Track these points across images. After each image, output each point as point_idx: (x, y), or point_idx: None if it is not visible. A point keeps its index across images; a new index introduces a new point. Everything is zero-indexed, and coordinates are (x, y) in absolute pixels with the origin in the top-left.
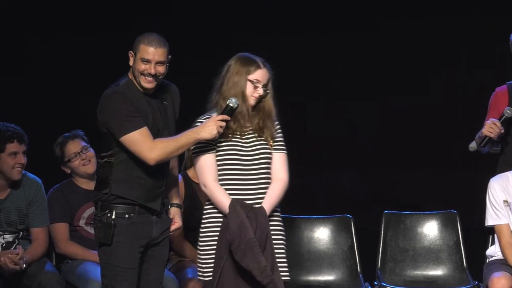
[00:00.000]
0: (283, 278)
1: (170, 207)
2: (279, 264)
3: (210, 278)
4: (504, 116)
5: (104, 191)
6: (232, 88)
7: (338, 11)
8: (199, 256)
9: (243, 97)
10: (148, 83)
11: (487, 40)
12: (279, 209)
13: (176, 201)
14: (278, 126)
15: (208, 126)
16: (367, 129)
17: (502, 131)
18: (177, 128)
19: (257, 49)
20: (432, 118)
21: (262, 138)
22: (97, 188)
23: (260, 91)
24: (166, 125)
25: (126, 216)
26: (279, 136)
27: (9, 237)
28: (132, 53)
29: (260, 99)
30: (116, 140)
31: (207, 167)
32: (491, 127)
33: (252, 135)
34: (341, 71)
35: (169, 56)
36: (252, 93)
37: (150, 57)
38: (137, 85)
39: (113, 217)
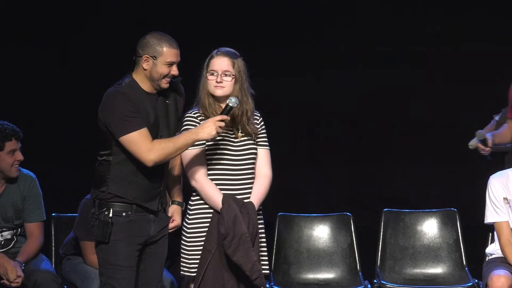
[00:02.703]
0: (264, 272)
1: (171, 204)
2: (261, 258)
3: (195, 273)
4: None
5: (102, 189)
6: (200, 84)
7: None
8: (184, 251)
9: (206, 91)
10: (167, 84)
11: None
12: (261, 205)
13: (177, 198)
14: (261, 121)
15: (207, 127)
16: (367, 127)
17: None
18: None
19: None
20: (432, 116)
21: (248, 134)
22: (95, 186)
23: (218, 78)
24: (167, 125)
25: (124, 214)
26: (262, 132)
27: (7, 234)
28: (149, 57)
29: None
30: (115, 140)
31: (197, 162)
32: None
33: (238, 130)
34: (340, 69)
35: None
36: (212, 83)
37: (175, 59)
38: (140, 85)
39: (111, 215)
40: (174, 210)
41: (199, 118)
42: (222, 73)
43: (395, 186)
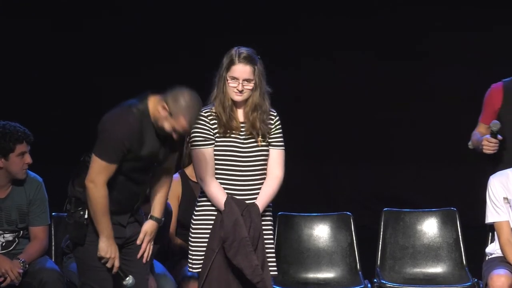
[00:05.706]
0: (271, 273)
1: (149, 219)
2: (268, 260)
3: (199, 270)
4: (492, 131)
5: (79, 189)
6: (218, 84)
7: None
8: (190, 248)
9: (224, 94)
10: (166, 134)
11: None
12: (271, 205)
13: (156, 215)
14: (277, 121)
15: (108, 249)
16: (367, 126)
17: (498, 143)
18: None
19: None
20: (432, 116)
21: (260, 134)
22: (75, 182)
23: (239, 86)
24: (166, 156)
25: None
26: (277, 132)
27: (9, 236)
28: (167, 109)
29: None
30: None
31: (205, 161)
32: (487, 146)
33: (250, 132)
34: (339, 68)
35: None
36: (232, 89)
37: (182, 131)
38: (151, 115)
39: (86, 216)
40: (147, 228)
41: (209, 118)
42: (243, 81)
43: (395, 186)
